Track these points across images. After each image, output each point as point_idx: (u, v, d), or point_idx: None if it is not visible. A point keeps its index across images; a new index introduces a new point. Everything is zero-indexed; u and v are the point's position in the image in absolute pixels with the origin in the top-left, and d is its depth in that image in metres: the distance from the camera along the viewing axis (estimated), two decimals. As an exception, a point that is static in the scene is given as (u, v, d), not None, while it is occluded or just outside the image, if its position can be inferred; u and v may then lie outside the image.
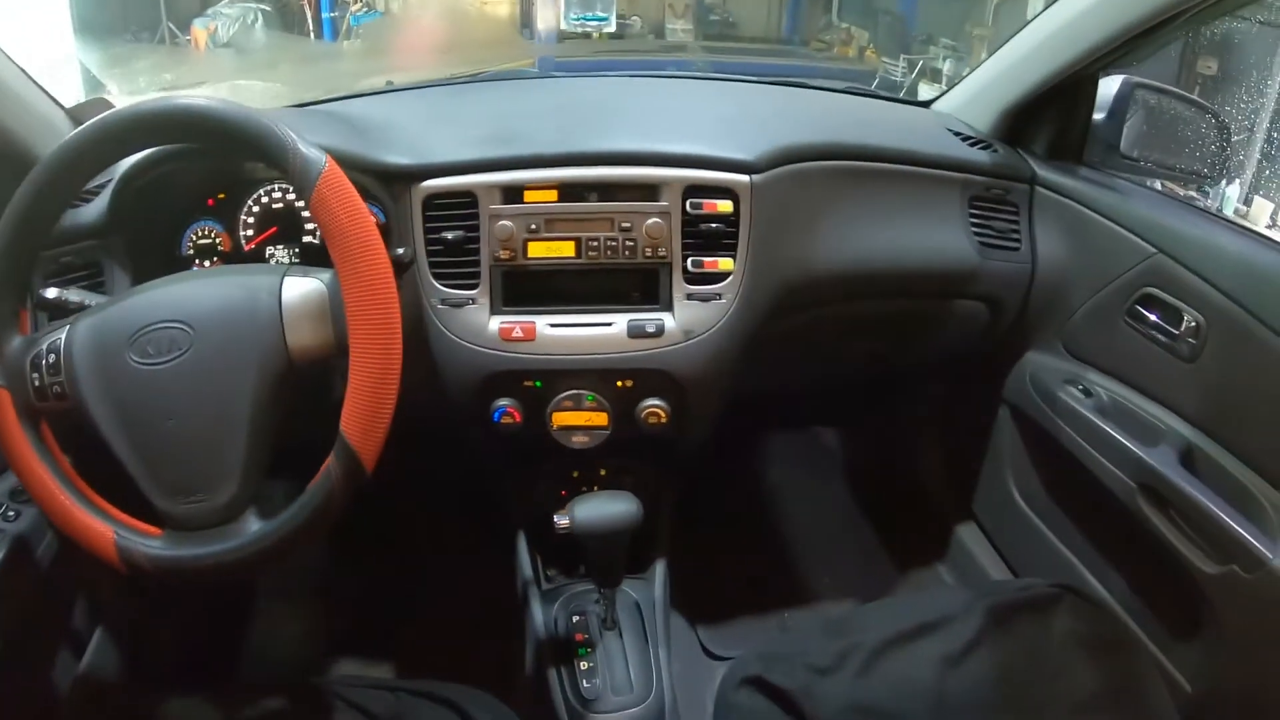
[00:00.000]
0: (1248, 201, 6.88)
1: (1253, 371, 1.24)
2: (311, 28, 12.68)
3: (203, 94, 1.05)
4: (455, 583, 1.94)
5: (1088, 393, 1.52)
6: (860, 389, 2.24)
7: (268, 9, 12.65)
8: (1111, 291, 1.49)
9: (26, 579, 1.20)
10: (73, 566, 1.30)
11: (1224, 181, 6.93)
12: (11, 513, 1.21)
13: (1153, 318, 1.41)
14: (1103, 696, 1.16)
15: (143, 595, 1.59)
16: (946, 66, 8.82)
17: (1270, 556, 1.14)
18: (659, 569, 1.53)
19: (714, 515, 2.04)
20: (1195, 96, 1.77)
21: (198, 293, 1.02)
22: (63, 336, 1.00)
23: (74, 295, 1.11)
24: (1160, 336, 1.39)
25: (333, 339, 1.00)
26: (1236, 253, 1.30)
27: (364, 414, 0.97)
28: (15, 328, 1.02)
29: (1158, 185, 1.66)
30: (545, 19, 11.12)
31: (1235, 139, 6.98)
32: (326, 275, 1.02)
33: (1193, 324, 1.33)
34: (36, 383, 0.99)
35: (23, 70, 1.29)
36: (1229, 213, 6.83)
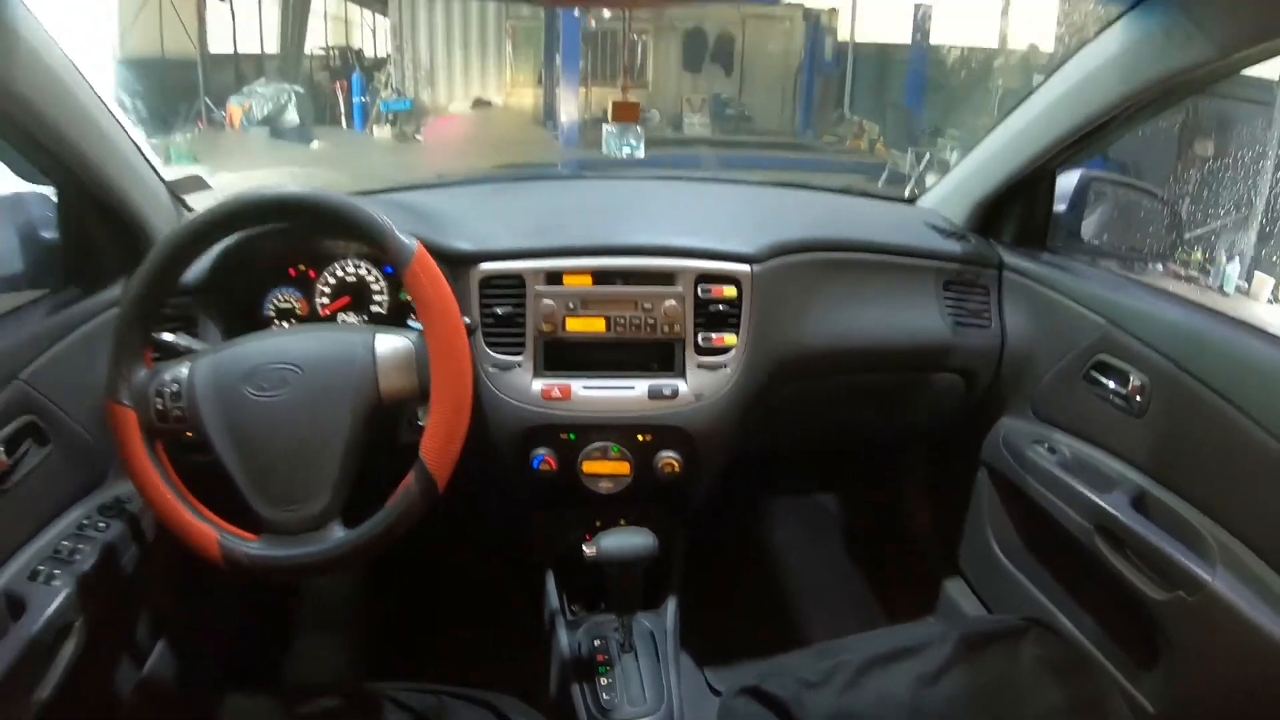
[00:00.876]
0: (1248, 278, 7.00)
1: (1192, 422, 1.42)
2: (343, 110, 13.21)
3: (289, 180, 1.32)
4: (488, 613, 2.13)
5: (1053, 450, 1.71)
6: (855, 456, 2.44)
7: (301, 91, 13.22)
8: (1071, 360, 1.69)
9: (107, 585, 1.38)
10: (147, 578, 1.50)
11: (1224, 260, 7.10)
12: (102, 524, 1.41)
13: (1106, 381, 1.61)
14: (1068, 715, 1.32)
15: (202, 608, 1.80)
16: (954, 158, 9.01)
17: (1209, 579, 1.30)
18: (671, 604, 1.73)
19: (722, 565, 2.23)
20: (1145, 184, 1.97)
21: (305, 342, 1.26)
22: (184, 371, 1.23)
23: (182, 340, 1.37)
24: (1113, 397, 1.59)
25: (416, 385, 1.24)
26: (1174, 320, 1.51)
27: (440, 443, 1.21)
28: (142, 362, 1.24)
29: (1114, 265, 1.84)
30: (568, 113, 11.62)
31: (1235, 216, 7.17)
32: (413, 335, 1.26)
33: (1139, 384, 1.53)
34: (159, 407, 1.22)
35: (137, 146, 1.55)
36: (1229, 289, 6.98)
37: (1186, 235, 7.54)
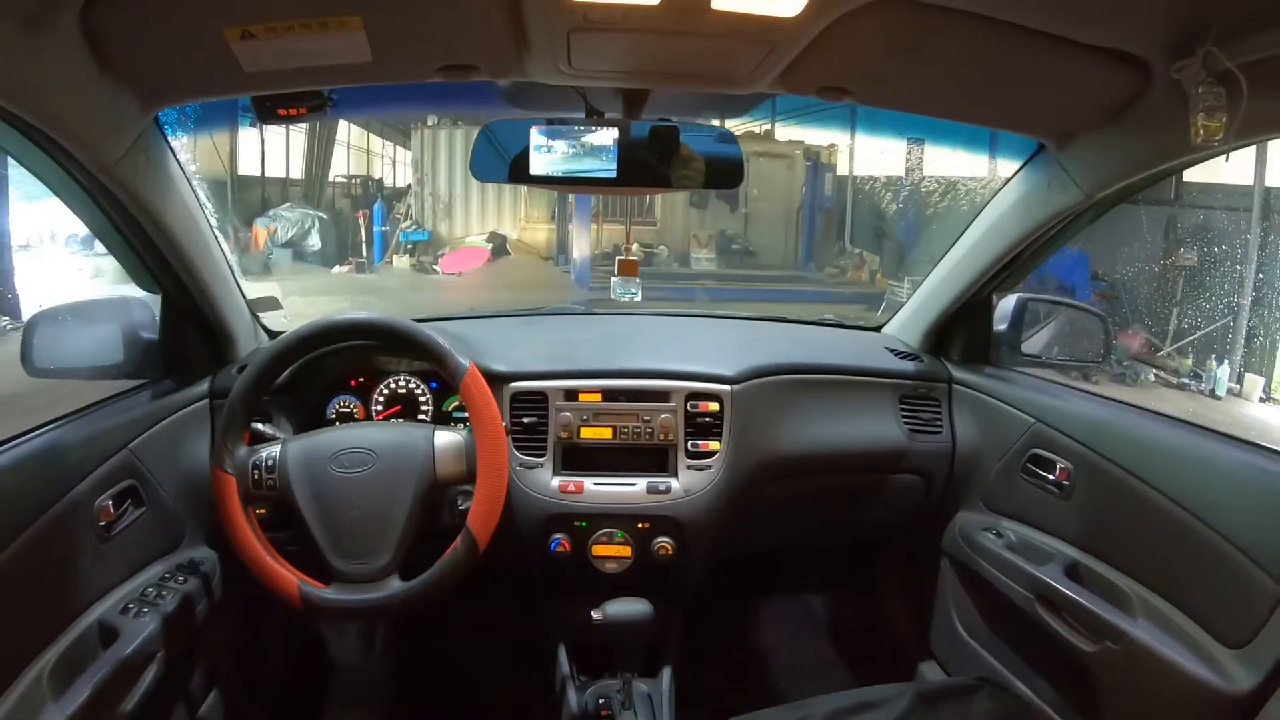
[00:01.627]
0: (1239, 380, 7.19)
1: (1111, 498, 1.69)
2: (364, 238, 13.55)
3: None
4: (503, 686, 2.37)
5: (999, 535, 1.97)
6: (835, 557, 2.69)
7: (324, 217, 13.59)
8: (1011, 456, 1.98)
9: (184, 627, 1.63)
10: (213, 629, 1.76)
11: (1215, 364, 7.32)
12: (181, 578, 1.68)
13: (1040, 471, 1.89)
14: None
15: (253, 666, 2.06)
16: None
17: (1130, 629, 1.53)
18: (666, 672, 1.99)
19: (714, 652, 2.45)
20: (1077, 302, 2.32)
21: (379, 434, 1.63)
22: (277, 450, 1.58)
23: (268, 429, 1.73)
24: (1045, 484, 1.87)
25: (465, 471, 1.59)
26: (1090, 414, 1.82)
27: (484, 513, 1.55)
28: (242, 441, 1.58)
29: (1051, 373, 2.12)
30: (580, 249, 12.12)
31: (1219, 323, 7.40)
32: (464, 433, 1.61)
33: (1065, 469, 1.82)
34: (255, 478, 1.56)
35: (231, 267, 1.88)
36: (1221, 392, 7.18)
37: (1178, 343, 7.80)
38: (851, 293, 12.11)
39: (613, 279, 1.87)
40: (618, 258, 1.94)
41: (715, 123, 1.88)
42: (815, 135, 13.46)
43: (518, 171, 1.52)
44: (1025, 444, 1.94)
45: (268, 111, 1.43)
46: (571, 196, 12.24)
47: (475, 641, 2.50)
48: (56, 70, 1.14)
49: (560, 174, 1.51)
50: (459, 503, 1.78)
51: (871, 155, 13.38)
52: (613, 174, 1.52)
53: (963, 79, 1.41)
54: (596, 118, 1.50)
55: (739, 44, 1.24)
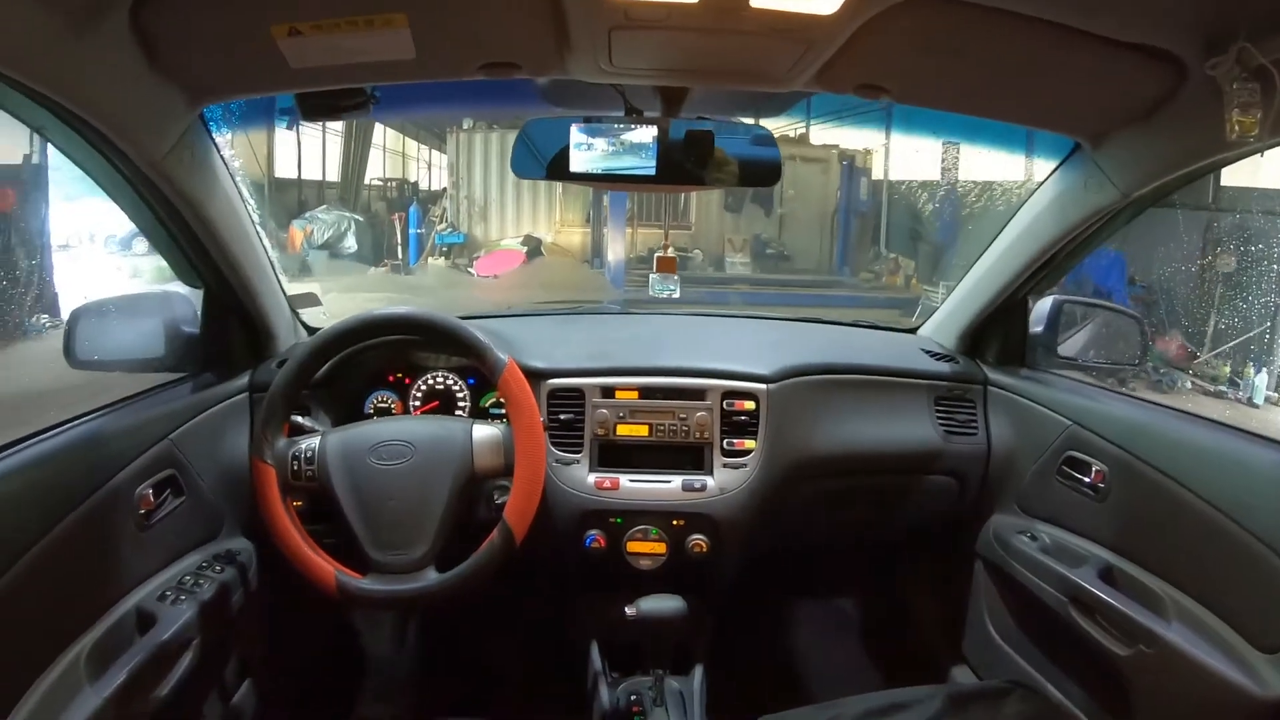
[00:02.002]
0: (1279, 388, 7.10)
1: (1146, 500, 1.69)
2: (399, 240, 13.65)
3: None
4: (533, 684, 2.39)
5: (1034, 538, 1.96)
6: (868, 558, 2.69)
7: (360, 219, 13.74)
8: (1046, 458, 1.97)
9: (220, 616, 1.66)
10: (248, 619, 1.79)
11: (1253, 372, 7.23)
12: (218, 568, 1.71)
13: (1075, 473, 1.89)
14: None
15: (285, 656, 2.08)
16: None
17: (1164, 632, 1.53)
18: (698, 671, 2.00)
19: (746, 652, 2.44)
20: (1113, 304, 2.30)
21: (418, 427, 1.66)
22: (316, 442, 1.61)
23: (307, 422, 1.75)
24: (1080, 486, 1.86)
25: (502, 464, 1.61)
26: (1126, 416, 1.81)
27: (521, 505, 1.57)
28: (282, 433, 1.61)
29: (1085, 376, 2.12)
30: (615, 252, 12.14)
31: (1258, 329, 7.31)
32: (502, 427, 1.63)
33: (1101, 472, 1.81)
34: (294, 469, 1.59)
35: (272, 263, 1.92)
36: (1259, 400, 7.08)
37: (1215, 351, 7.71)
38: (886, 298, 12.02)
39: (651, 276, 1.89)
40: (656, 255, 1.96)
41: (751, 122, 1.88)
42: (850, 138, 13.40)
43: (557, 169, 1.53)
44: (1061, 446, 1.93)
45: (311, 108, 1.46)
46: (606, 200, 12.42)
47: (507, 636, 2.52)
48: (106, 67, 1.18)
49: (600, 171, 1.52)
50: (495, 497, 1.80)
51: (907, 159, 13.31)
52: (652, 171, 1.53)
53: (998, 77, 1.42)
54: (636, 116, 1.52)
55: (776, 42, 1.26)
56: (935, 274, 11.71)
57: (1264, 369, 7.21)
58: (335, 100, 1.45)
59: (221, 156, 1.62)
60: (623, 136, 1.52)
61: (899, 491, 2.19)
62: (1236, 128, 1.17)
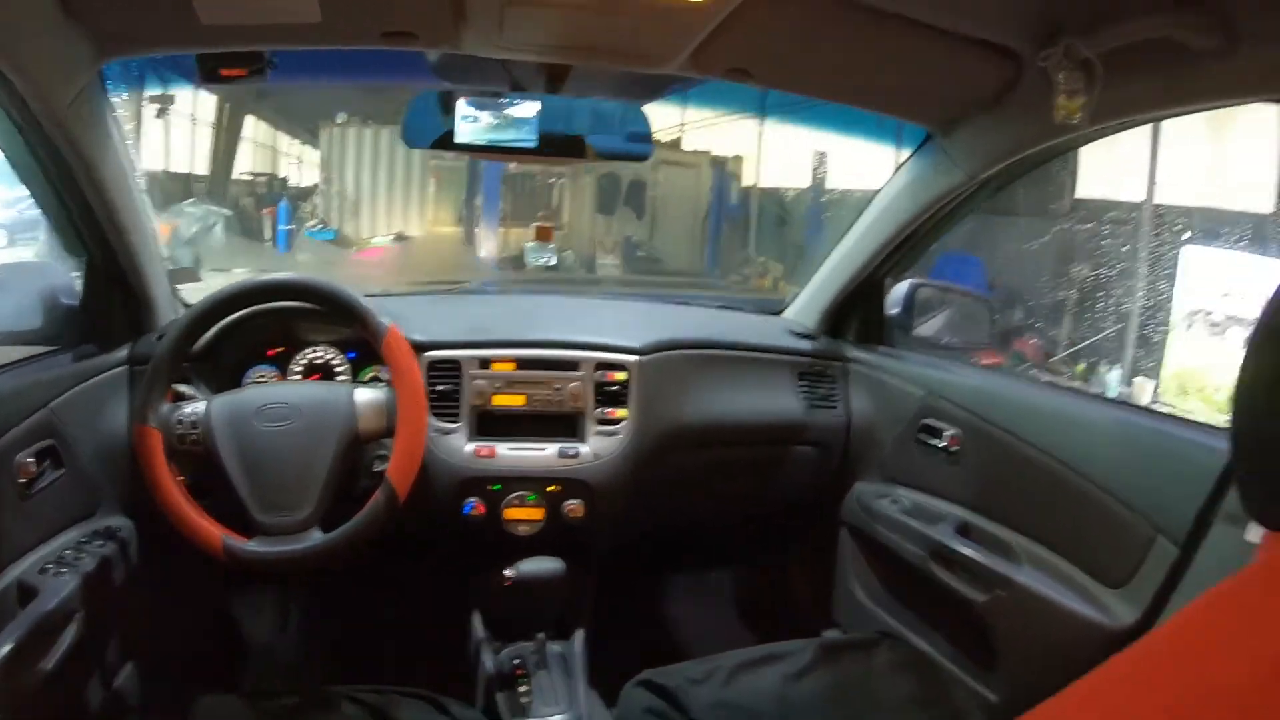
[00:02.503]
0: (1129, 384, 7.54)
1: (996, 460, 1.83)
2: (269, 237, 13.11)
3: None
4: (418, 649, 2.39)
5: (895, 501, 2.09)
6: (743, 531, 2.78)
7: (229, 214, 13.15)
8: (904, 426, 2.11)
9: (103, 590, 1.63)
10: (131, 596, 1.76)
11: (1106, 369, 7.69)
12: (99, 543, 1.68)
13: (930, 439, 2.02)
14: (918, 705, 1.63)
15: (173, 627, 2.07)
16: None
17: (1016, 576, 1.66)
18: (579, 634, 2.05)
19: (626, 621, 2.51)
20: (965, 289, 2.45)
21: (302, 390, 1.70)
22: (202, 407, 1.63)
23: (188, 390, 1.78)
24: (936, 450, 2.00)
25: (385, 426, 1.65)
26: (975, 384, 1.97)
27: (403, 466, 1.61)
28: (165, 400, 1.61)
29: (938, 353, 2.26)
30: (487, 250, 12.08)
31: (1110, 330, 7.79)
32: (384, 390, 1.67)
33: (954, 436, 1.95)
34: (179, 433, 1.60)
35: (155, 236, 1.89)
36: (1112, 395, 7.53)
37: (1071, 349, 8.20)
38: (755, 299, 12.19)
39: (526, 245, 1.95)
40: (535, 224, 2.02)
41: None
42: (723, 144, 13.60)
43: (444, 140, 1.59)
44: (917, 414, 2.07)
45: (210, 71, 1.48)
46: (479, 201, 12.35)
47: (390, 610, 2.52)
48: (17, 5, 1.16)
49: (484, 143, 1.59)
50: (374, 466, 1.81)
51: (778, 166, 13.54)
52: (534, 144, 1.61)
53: (855, 66, 1.55)
54: (520, 91, 1.59)
55: (657, 24, 1.36)
56: (802, 276, 11.95)
57: (1115, 366, 7.66)
58: (235, 64, 1.47)
59: (115, 119, 1.60)
60: (507, 111, 1.59)
61: (767, 463, 2.30)
62: (1063, 113, 1.32)
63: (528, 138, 1.60)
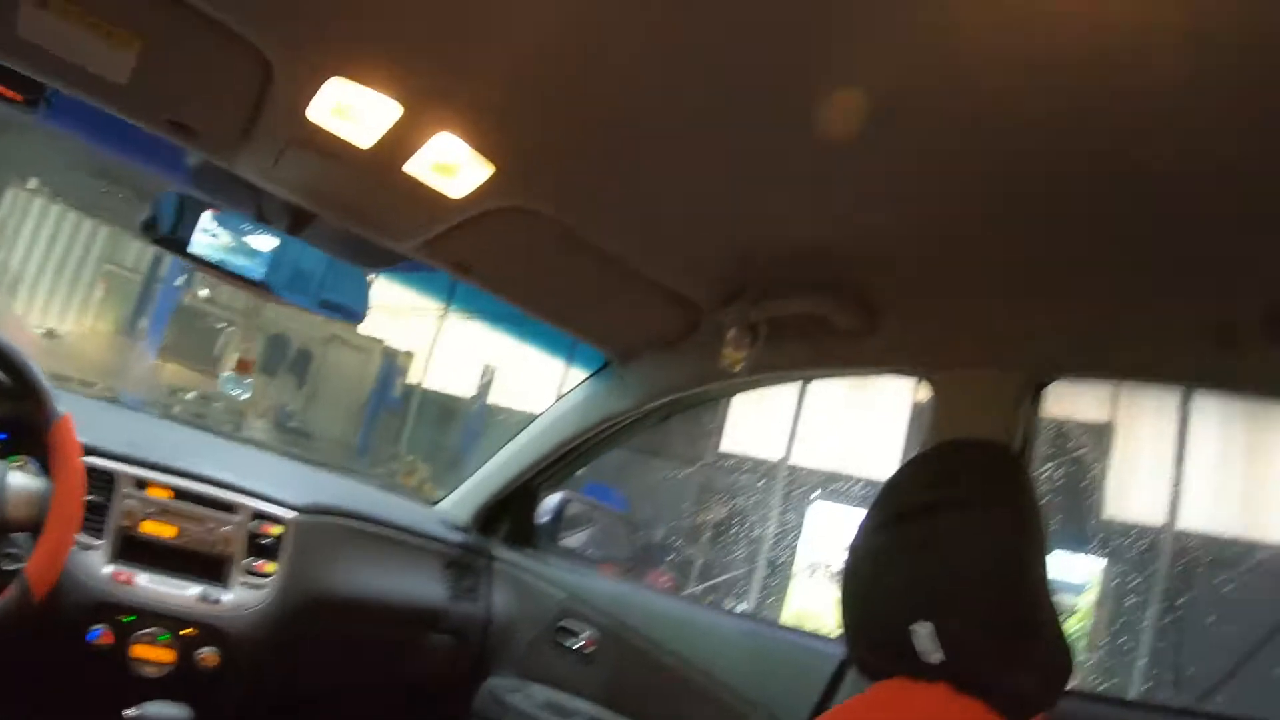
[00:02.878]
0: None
1: (630, 661, 1.99)
2: None
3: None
4: None
5: (529, 696, 2.16)
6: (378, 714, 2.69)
7: None
8: (543, 626, 2.23)
9: None
10: None
11: (735, 603, 8.51)
12: None
13: (566, 640, 2.15)
14: None
15: None
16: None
17: None
18: None
19: None
20: (610, 508, 2.70)
21: None
22: None
23: None
24: (571, 651, 2.13)
25: (34, 518, 1.52)
26: (611, 592, 2.15)
27: (47, 562, 1.49)
28: None
29: (579, 562, 2.44)
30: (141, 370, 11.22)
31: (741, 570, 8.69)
32: (43, 480, 1.55)
33: (590, 636, 2.09)
34: None
35: None
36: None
37: (704, 583, 9.01)
38: (399, 495, 12.10)
39: (223, 375, 1.93)
40: (237, 356, 2.02)
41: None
42: (400, 337, 13.72)
43: (176, 243, 1.60)
44: (556, 615, 2.19)
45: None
46: (143, 324, 11.60)
47: None
48: None
49: (214, 260, 1.61)
50: (2, 564, 1.62)
51: (447, 373, 13.81)
52: (259, 277, 1.65)
53: (563, 290, 1.81)
54: (264, 223, 1.64)
55: (412, 205, 1.51)
56: (451, 482, 12.03)
57: (741, 602, 8.50)
58: (15, 86, 1.43)
59: None
60: (245, 238, 1.63)
61: (408, 645, 2.30)
62: (728, 361, 1.61)
63: (256, 269, 1.64)
